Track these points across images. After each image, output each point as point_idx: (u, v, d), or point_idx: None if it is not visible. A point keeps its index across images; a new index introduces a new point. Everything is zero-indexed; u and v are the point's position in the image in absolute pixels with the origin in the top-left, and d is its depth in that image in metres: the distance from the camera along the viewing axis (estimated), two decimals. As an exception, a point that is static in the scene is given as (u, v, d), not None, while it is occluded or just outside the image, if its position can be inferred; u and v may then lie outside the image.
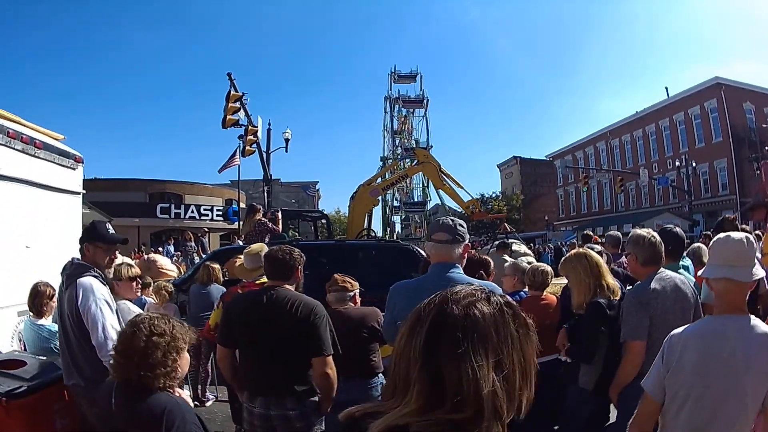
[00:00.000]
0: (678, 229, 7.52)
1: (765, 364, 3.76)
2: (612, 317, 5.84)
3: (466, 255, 5.25)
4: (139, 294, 8.20)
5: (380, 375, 6.97)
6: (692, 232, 40.13)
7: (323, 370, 5.67)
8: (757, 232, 9.65)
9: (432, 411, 1.68)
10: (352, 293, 7.21)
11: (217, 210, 52.78)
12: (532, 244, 39.31)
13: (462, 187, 32.32)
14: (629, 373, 5.51)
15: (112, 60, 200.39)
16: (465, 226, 5.29)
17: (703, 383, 3.89)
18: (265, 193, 31.30)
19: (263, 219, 14.30)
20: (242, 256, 8.08)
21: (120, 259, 11.79)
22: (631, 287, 6.28)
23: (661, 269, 5.82)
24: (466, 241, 5.19)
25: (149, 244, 40.07)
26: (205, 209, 53.35)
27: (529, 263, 8.61)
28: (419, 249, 13.04)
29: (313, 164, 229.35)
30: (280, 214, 16.42)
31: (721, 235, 4.24)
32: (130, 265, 7.92)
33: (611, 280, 6.26)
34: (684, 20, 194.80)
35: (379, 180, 32.58)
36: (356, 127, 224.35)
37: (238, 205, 43.92)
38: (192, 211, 52.98)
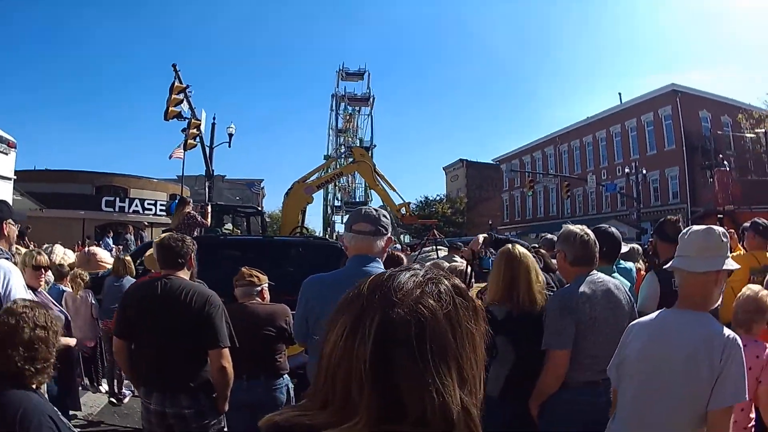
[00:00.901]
0: (614, 230, 7.02)
1: (699, 365, 3.59)
2: (507, 323, 5.35)
3: (386, 249, 4.97)
4: (42, 283, 7.83)
5: (285, 376, 6.67)
6: (640, 240, 40.31)
7: (220, 363, 5.41)
8: None
9: (387, 424, 1.44)
10: (259, 287, 6.91)
11: (161, 204, 52.03)
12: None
13: (395, 190, 32.12)
14: (550, 383, 5.13)
15: (63, 54, 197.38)
16: (389, 217, 5.00)
17: (642, 375, 3.89)
18: (207, 189, 31.08)
19: (192, 212, 14.06)
20: (153, 247, 7.70)
21: (60, 249, 11.71)
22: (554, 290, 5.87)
23: (594, 272, 5.40)
24: (389, 234, 4.88)
25: (93, 237, 39.63)
26: (148, 203, 52.70)
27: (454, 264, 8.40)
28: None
29: (259, 162, 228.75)
30: (210, 208, 16.16)
31: (686, 229, 4.16)
32: (39, 253, 7.74)
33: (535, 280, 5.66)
34: (641, 29, 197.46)
35: (315, 177, 32.31)
36: (303, 125, 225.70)
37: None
38: (136, 205, 52.35)
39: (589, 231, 5.56)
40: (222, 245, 13.93)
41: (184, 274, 5.82)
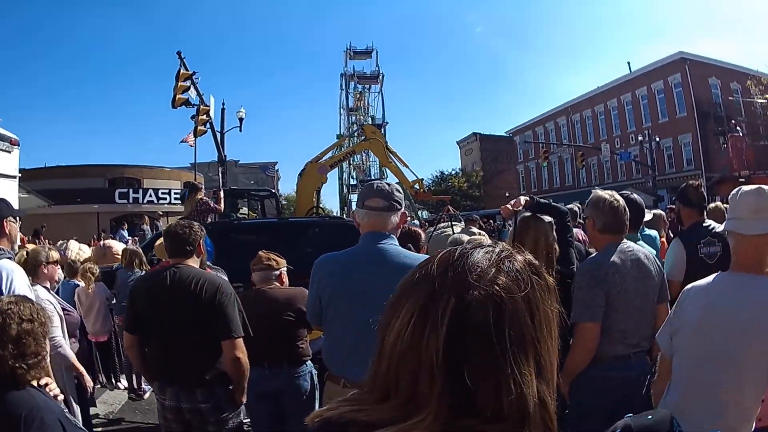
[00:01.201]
0: (636, 196, 6.68)
1: (763, 328, 3.42)
2: None
3: (401, 225, 4.71)
4: (56, 279, 7.60)
5: (308, 363, 6.40)
6: (657, 207, 40.16)
7: (233, 354, 5.18)
8: (725, 205, 9.17)
9: (459, 419, 1.29)
10: (278, 271, 6.65)
11: (175, 193, 51.75)
12: (492, 221, 39.15)
13: (407, 166, 32.07)
14: (581, 359, 4.84)
15: (65, 46, 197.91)
16: (402, 191, 4.73)
17: (701, 343, 3.66)
18: (220, 174, 31.07)
19: (204, 198, 13.84)
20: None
21: (75, 245, 11.53)
22: (583, 262, 5.57)
23: (624, 240, 5.12)
24: (403, 209, 4.63)
25: (108, 230, 39.61)
26: (162, 193, 52.78)
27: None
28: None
29: (272, 145, 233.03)
30: (222, 193, 15.96)
31: (735, 189, 3.87)
32: (50, 249, 7.63)
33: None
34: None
35: (328, 156, 32.19)
36: (314, 106, 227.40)
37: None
38: (150, 195, 52.56)
39: (618, 197, 5.26)
40: (236, 230, 13.95)
41: (194, 262, 5.61)
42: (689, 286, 3.84)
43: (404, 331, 1.34)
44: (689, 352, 3.72)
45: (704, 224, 6.86)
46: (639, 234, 6.68)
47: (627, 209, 5.20)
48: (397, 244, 4.50)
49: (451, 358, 1.27)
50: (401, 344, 1.34)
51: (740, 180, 30.59)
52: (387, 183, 4.68)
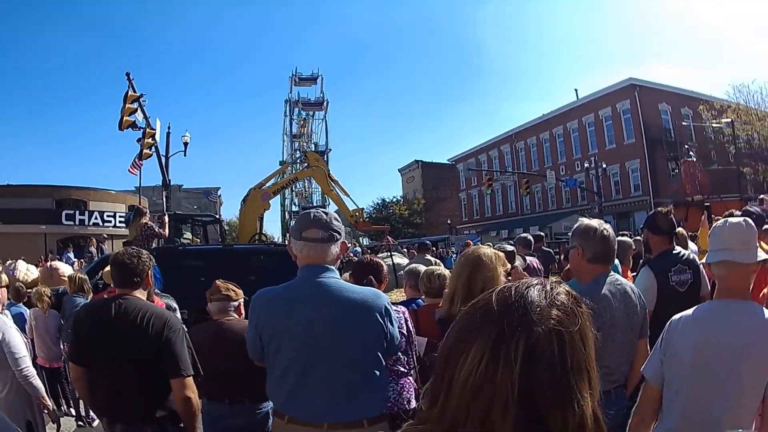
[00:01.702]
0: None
1: (764, 352, 3.50)
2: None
3: (340, 256, 4.46)
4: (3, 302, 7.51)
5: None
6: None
7: (183, 394, 4.89)
8: (681, 229, 9.30)
9: None
10: (236, 302, 6.42)
11: (120, 216, 51.41)
12: (434, 248, 39.26)
13: (348, 195, 32.31)
14: None
15: (18, 68, 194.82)
16: (340, 220, 4.49)
17: (699, 369, 3.70)
18: (164, 198, 30.91)
19: (149, 223, 13.84)
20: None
21: (23, 266, 11.46)
22: (570, 284, 5.55)
23: (611, 272, 5.03)
24: (342, 238, 4.42)
25: (55, 251, 39.14)
26: (108, 215, 52.26)
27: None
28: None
29: (215, 170, 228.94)
30: (167, 218, 15.91)
31: (720, 220, 4.02)
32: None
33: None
34: (596, 24, 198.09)
35: (270, 183, 32.21)
36: (258, 132, 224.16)
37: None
38: (96, 218, 51.94)
39: (607, 225, 5.14)
40: (181, 255, 13.74)
41: (141, 294, 5.34)
42: (676, 317, 3.87)
43: (476, 369, 1.43)
44: (686, 380, 3.76)
45: (674, 251, 6.86)
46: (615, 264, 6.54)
47: (615, 239, 5.16)
48: (338, 276, 4.33)
49: (523, 390, 1.38)
50: (473, 381, 1.43)
51: (693, 205, 30.93)
52: (324, 212, 4.49)
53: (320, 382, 4.04)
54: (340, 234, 4.39)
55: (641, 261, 8.38)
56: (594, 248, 4.92)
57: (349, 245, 42.52)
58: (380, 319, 4.15)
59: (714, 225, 4.03)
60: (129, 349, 4.96)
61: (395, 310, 5.34)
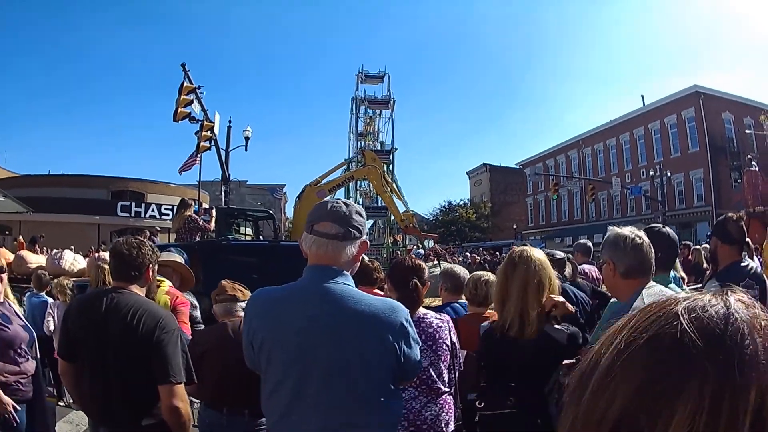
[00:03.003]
0: (669, 230, 5.59)
1: None
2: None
3: (360, 258, 3.65)
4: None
5: None
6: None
7: (171, 403, 4.33)
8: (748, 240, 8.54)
9: None
10: (243, 304, 5.53)
11: (179, 210, 51.50)
12: (498, 253, 38.72)
13: (401, 198, 31.96)
14: None
15: (81, 59, 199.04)
16: (364, 215, 3.65)
17: None
18: (223, 193, 30.70)
19: (193, 215, 13.44)
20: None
21: (70, 255, 11.13)
22: (612, 311, 4.56)
23: (651, 282, 4.23)
24: (364, 237, 3.56)
25: (109, 243, 39.33)
26: (165, 208, 52.08)
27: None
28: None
29: (281, 167, 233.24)
30: (214, 211, 15.48)
31: None
32: None
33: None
34: (661, 30, 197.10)
35: (327, 180, 31.94)
36: (325, 130, 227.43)
37: (200, 206, 43.18)
38: (153, 210, 52.52)
39: (641, 233, 4.38)
40: (224, 250, 13.11)
41: (139, 290, 4.78)
42: None
43: (696, 419, 0.94)
44: None
45: (742, 264, 6.20)
46: (671, 276, 5.53)
47: (652, 246, 4.32)
48: (352, 283, 3.48)
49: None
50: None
51: (754, 216, 30.11)
52: (345, 202, 3.64)
53: (312, 407, 3.24)
54: (360, 232, 3.53)
55: (707, 273, 7.73)
56: (627, 260, 4.24)
57: (413, 247, 42.30)
58: (392, 339, 3.27)
59: None
60: (117, 349, 4.46)
61: (438, 318, 5.03)
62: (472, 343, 5.17)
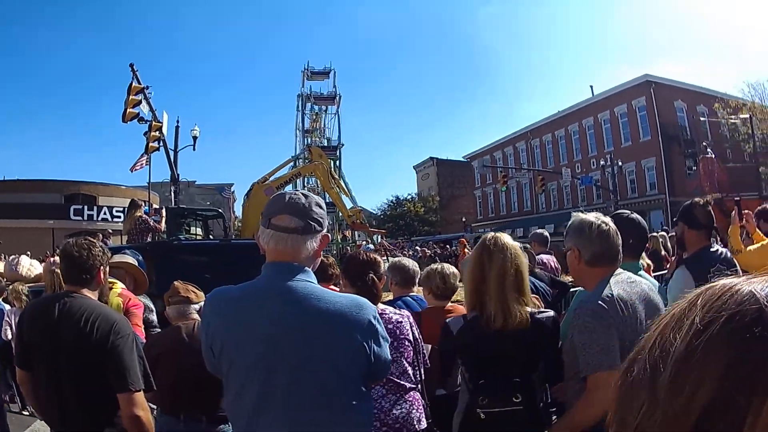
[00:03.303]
0: (636, 216, 5.44)
1: None
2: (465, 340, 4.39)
3: (321, 254, 3.39)
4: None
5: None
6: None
7: (131, 412, 4.12)
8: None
9: None
10: (197, 305, 5.55)
11: (129, 212, 51.19)
12: (448, 246, 38.97)
13: (348, 195, 32.23)
14: (596, 413, 3.65)
15: (29, 65, 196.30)
16: (324, 206, 3.39)
17: None
18: (173, 194, 30.60)
19: (144, 216, 13.38)
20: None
21: (26, 261, 11.05)
22: (580, 300, 4.44)
23: (618, 270, 4.10)
24: (325, 230, 3.30)
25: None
26: (117, 211, 51.62)
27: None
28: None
29: (229, 166, 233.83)
30: (164, 212, 15.43)
31: None
32: None
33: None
34: (610, 20, 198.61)
35: (274, 177, 31.97)
36: (272, 127, 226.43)
37: (150, 206, 43.06)
38: (105, 213, 52.47)
39: (607, 219, 4.23)
40: (177, 250, 13.01)
41: (91, 294, 4.57)
42: None
43: None
44: None
45: (712, 249, 6.10)
46: (639, 263, 5.42)
47: (619, 233, 4.19)
48: (314, 280, 3.22)
49: None
50: None
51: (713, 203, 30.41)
52: (304, 194, 3.31)
53: (281, 411, 3.03)
54: (321, 225, 3.27)
55: (675, 259, 7.66)
56: (592, 247, 4.11)
57: (363, 243, 42.39)
58: (361, 338, 3.08)
59: None
60: (71, 355, 4.25)
61: (398, 314, 4.93)
62: (436, 337, 4.97)
